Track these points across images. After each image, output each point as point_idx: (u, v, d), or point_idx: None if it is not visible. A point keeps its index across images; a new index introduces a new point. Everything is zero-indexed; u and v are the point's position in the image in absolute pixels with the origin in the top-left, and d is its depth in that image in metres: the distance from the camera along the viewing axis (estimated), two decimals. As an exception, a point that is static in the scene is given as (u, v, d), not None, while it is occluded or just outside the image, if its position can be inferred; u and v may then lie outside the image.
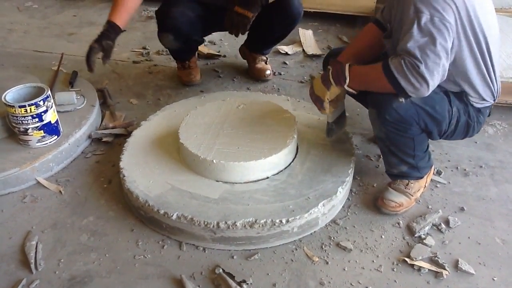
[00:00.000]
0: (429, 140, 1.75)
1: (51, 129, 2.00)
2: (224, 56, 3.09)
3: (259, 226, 1.61)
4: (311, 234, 1.73)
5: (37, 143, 1.99)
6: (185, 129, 1.92)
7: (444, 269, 1.58)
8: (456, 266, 1.60)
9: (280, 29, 2.55)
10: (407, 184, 1.81)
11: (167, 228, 1.69)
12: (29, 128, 1.94)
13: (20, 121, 1.92)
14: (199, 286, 1.54)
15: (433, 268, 1.59)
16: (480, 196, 1.91)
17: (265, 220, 1.61)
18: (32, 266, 1.59)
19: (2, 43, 3.29)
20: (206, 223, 1.61)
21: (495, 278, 1.57)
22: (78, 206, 1.86)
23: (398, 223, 1.77)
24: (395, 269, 1.60)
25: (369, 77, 1.62)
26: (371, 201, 1.88)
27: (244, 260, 1.63)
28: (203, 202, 1.70)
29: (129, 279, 1.57)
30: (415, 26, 1.44)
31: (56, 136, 2.04)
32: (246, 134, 1.88)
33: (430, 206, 1.85)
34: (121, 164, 1.89)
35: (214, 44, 3.25)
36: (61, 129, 2.07)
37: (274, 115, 1.99)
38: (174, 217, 1.64)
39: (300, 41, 3.21)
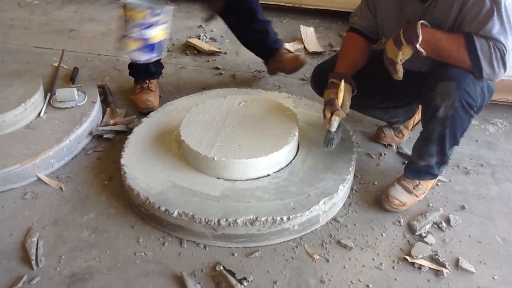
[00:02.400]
0: None
1: (150, 45, 1.86)
2: (225, 53, 3.08)
3: (260, 223, 1.61)
4: (311, 232, 1.73)
5: (131, 53, 1.89)
6: (186, 126, 1.92)
7: (445, 267, 1.58)
8: (456, 264, 1.60)
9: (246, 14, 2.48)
10: (417, 185, 1.80)
11: (168, 225, 1.69)
12: (132, 34, 1.82)
13: (128, 25, 1.82)
14: (199, 283, 1.54)
15: (434, 266, 1.59)
16: (481, 194, 1.91)
17: (266, 217, 1.61)
18: (33, 262, 1.60)
19: (3, 39, 3.29)
20: (207, 220, 1.61)
21: (495, 277, 1.57)
22: (79, 202, 1.87)
23: (399, 221, 1.77)
24: (395, 267, 1.60)
25: (447, 45, 1.57)
26: (372, 199, 1.88)
27: (245, 258, 1.63)
28: (204, 199, 1.70)
29: (130, 276, 1.57)
30: (495, 13, 1.46)
31: (152, 55, 1.91)
32: (247, 131, 1.88)
33: (430, 205, 1.85)
34: (122, 161, 1.89)
35: (215, 41, 3.25)
36: (160, 51, 1.92)
37: (275, 112, 1.99)
38: (175, 214, 1.64)
39: (302, 38, 3.20)
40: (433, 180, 1.86)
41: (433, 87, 1.60)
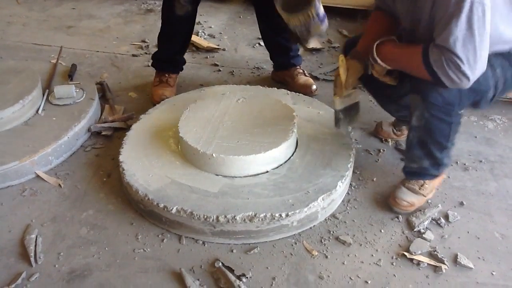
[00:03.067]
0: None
1: (323, 19, 1.82)
2: (224, 49, 3.08)
3: (258, 220, 1.61)
4: (310, 228, 1.73)
5: (318, 36, 1.89)
6: (184, 123, 1.91)
7: (443, 263, 1.59)
8: (455, 260, 1.60)
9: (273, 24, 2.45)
10: (422, 185, 1.78)
11: (167, 221, 1.69)
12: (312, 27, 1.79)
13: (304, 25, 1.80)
14: (198, 279, 1.54)
15: (432, 262, 1.59)
16: (479, 190, 1.91)
17: (264, 214, 1.62)
18: (32, 259, 1.60)
19: (1, 36, 3.28)
20: (205, 217, 1.61)
21: (494, 273, 1.57)
22: (77, 199, 1.86)
23: (398, 218, 1.77)
24: (394, 263, 1.60)
25: (406, 61, 1.58)
26: (371, 195, 1.88)
27: (244, 254, 1.63)
28: (203, 196, 1.70)
29: (129, 272, 1.57)
30: (455, 19, 1.38)
31: (325, 22, 1.84)
32: (246, 128, 1.88)
33: (429, 201, 1.85)
34: (121, 158, 1.89)
35: (214, 37, 3.24)
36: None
37: (274, 109, 1.99)
38: (174, 210, 1.64)
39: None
40: (437, 178, 1.83)
41: (408, 98, 1.66)
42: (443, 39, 1.42)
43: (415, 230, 1.71)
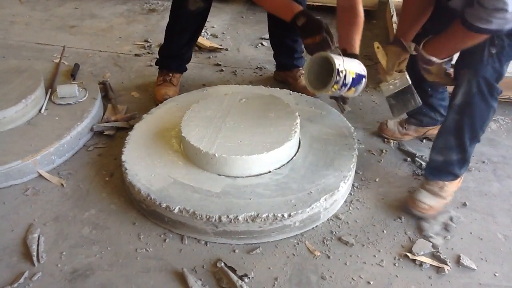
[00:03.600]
0: None
1: (357, 80, 1.83)
2: (227, 49, 3.08)
3: (261, 220, 1.61)
4: (313, 228, 1.73)
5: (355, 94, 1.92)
6: (187, 122, 1.91)
7: (446, 264, 1.58)
8: (458, 261, 1.60)
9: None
10: (441, 187, 1.76)
11: (169, 221, 1.69)
12: (343, 93, 1.86)
13: (334, 94, 1.91)
14: (200, 279, 1.54)
15: (435, 263, 1.59)
16: (482, 191, 1.91)
17: (267, 214, 1.61)
18: (34, 258, 1.60)
19: (3, 35, 3.28)
20: (208, 217, 1.61)
21: (496, 274, 1.57)
22: (80, 199, 1.87)
23: (400, 218, 1.77)
24: (396, 264, 1.60)
25: (455, 40, 1.57)
26: (373, 195, 1.88)
27: (246, 254, 1.63)
28: (205, 196, 1.70)
29: (131, 272, 1.57)
30: None
31: (363, 82, 1.88)
32: (248, 128, 1.88)
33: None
34: (123, 158, 1.89)
35: (217, 37, 3.24)
36: (362, 74, 1.87)
37: (277, 109, 1.99)
38: (176, 210, 1.64)
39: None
40: (457, 181, 1.81)
41: (459, 74, 1.65)
42: None
43: (423, 234, 1.70)
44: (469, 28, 1.46)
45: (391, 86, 1.81)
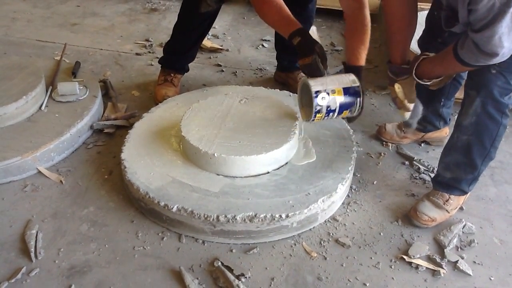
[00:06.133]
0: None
1: (347, 104, 1.74)
2: (227, 50, 3.09)
3: (258, 220, 1.62)
4: (310, 229, 1.73)
5: (354, 114, 1.81)
6: (187, 122, 1.92)
7: (442, 267, 1.59)
8: (454, 265, 1.61)
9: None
10: (447, 200, 1.75)
11: (167, 220, 1.70)
12: (336, 117, 1.78)
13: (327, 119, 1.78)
14: (197, 278, 1.55)
15: (431, 266, 1.60)
16: (479, 196, 1.92)
17: (264, 214, 1.62)
18: (32, 254, 1.60)
19: (5, 32, 3.29)
20: (206, 216, 1.62)
21: (492, 278, 1.58)
22: (78, 196, 1.87)
23: (397, 221, 1.78)
24: (392, 266, 1.61)
25: (446, 68, 1.62)
26: (371, 198, 1.89)
27: (243, 254, 1.64)
28: (204, 195, 1.71)
29: (128, 269, 1.58)
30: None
31: (354, 99, 1.74)
32: (248, 128, 1.89)
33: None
34: (122, 156, 1.89)
35: (218, 38, 3.25)
36: (356, 94, 1.75)
37: (276, 110, 1.99)
38: (174, 209, 1.65)
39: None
40: (464, 196, 1.80)
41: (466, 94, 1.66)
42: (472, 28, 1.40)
43: (447, 249, 1.67)
44: (457, 59, 1.49)
45: (406, 114, 1.82)
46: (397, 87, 1.77)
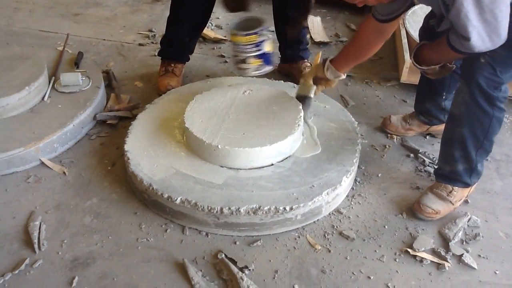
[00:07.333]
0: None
1: (267, 58, 1.98)
2: (231, 41, 3.05)
3: (262, 212, 1.61)
4: (314, 222, 1.73)
5: (253, 71, 2.00)
6: (190, 113, 1.91)
7: (446, 261, 1.58)
8: (458, 258, 1.60)
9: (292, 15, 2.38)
10: (450, 192, 1.74)
11: (171, 212, 1.69)
12: (250, 56, 1.94)
13: (242, 50, 1.94)
14: (201, 270, 1.54)
15: (435, 259, 1.59)
16: (484, 189, 1.90)
17: (268, 207, 1.61)
18: (35, 246, 1.60)
19: (7, 22, 3.27)
20: (209, 208, 1.61)
21: (497, 272, 1.57)
22: (81, 187, 1.87)
23: (402, 214, 1.77)
24: (397, 260, 1.60)
25: (442, 55, 1.63)
26: (375, 191, 1.88)
27: (247, 246, 1.64)
28: (207, 187, 1.70)
29: (132, 261, 1.57)
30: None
31: (270, 67, 2.03)
32: (252, 120, 1.87)
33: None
34: (126, 147, 1.88)
35: (221, 28, 3.22)
36: (274, 61, 2.06)
37: (280, 101, 1.98)
38: (178, 201, 1.64)
39: (308, 28, 3.17)
40: (468, 188, 1.78)
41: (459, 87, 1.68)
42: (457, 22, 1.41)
43: (451, 242, 1.65)
44: (449, 46, 1.51)
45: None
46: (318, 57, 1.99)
